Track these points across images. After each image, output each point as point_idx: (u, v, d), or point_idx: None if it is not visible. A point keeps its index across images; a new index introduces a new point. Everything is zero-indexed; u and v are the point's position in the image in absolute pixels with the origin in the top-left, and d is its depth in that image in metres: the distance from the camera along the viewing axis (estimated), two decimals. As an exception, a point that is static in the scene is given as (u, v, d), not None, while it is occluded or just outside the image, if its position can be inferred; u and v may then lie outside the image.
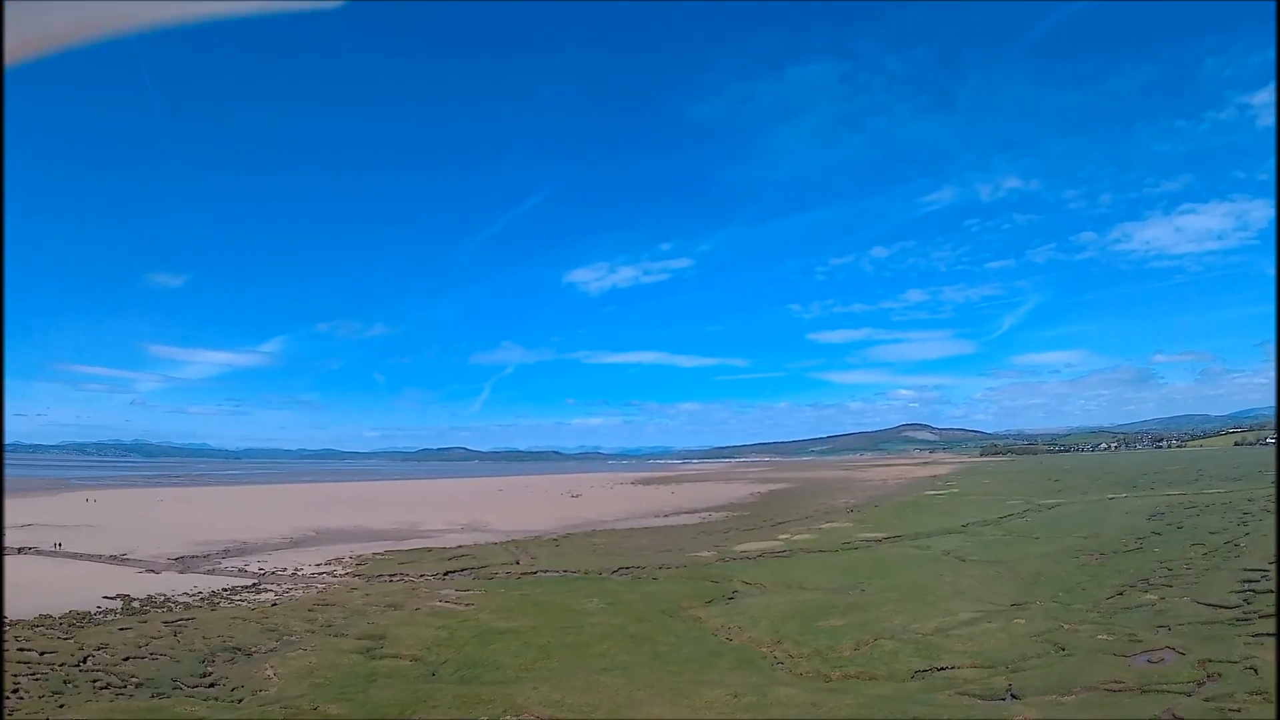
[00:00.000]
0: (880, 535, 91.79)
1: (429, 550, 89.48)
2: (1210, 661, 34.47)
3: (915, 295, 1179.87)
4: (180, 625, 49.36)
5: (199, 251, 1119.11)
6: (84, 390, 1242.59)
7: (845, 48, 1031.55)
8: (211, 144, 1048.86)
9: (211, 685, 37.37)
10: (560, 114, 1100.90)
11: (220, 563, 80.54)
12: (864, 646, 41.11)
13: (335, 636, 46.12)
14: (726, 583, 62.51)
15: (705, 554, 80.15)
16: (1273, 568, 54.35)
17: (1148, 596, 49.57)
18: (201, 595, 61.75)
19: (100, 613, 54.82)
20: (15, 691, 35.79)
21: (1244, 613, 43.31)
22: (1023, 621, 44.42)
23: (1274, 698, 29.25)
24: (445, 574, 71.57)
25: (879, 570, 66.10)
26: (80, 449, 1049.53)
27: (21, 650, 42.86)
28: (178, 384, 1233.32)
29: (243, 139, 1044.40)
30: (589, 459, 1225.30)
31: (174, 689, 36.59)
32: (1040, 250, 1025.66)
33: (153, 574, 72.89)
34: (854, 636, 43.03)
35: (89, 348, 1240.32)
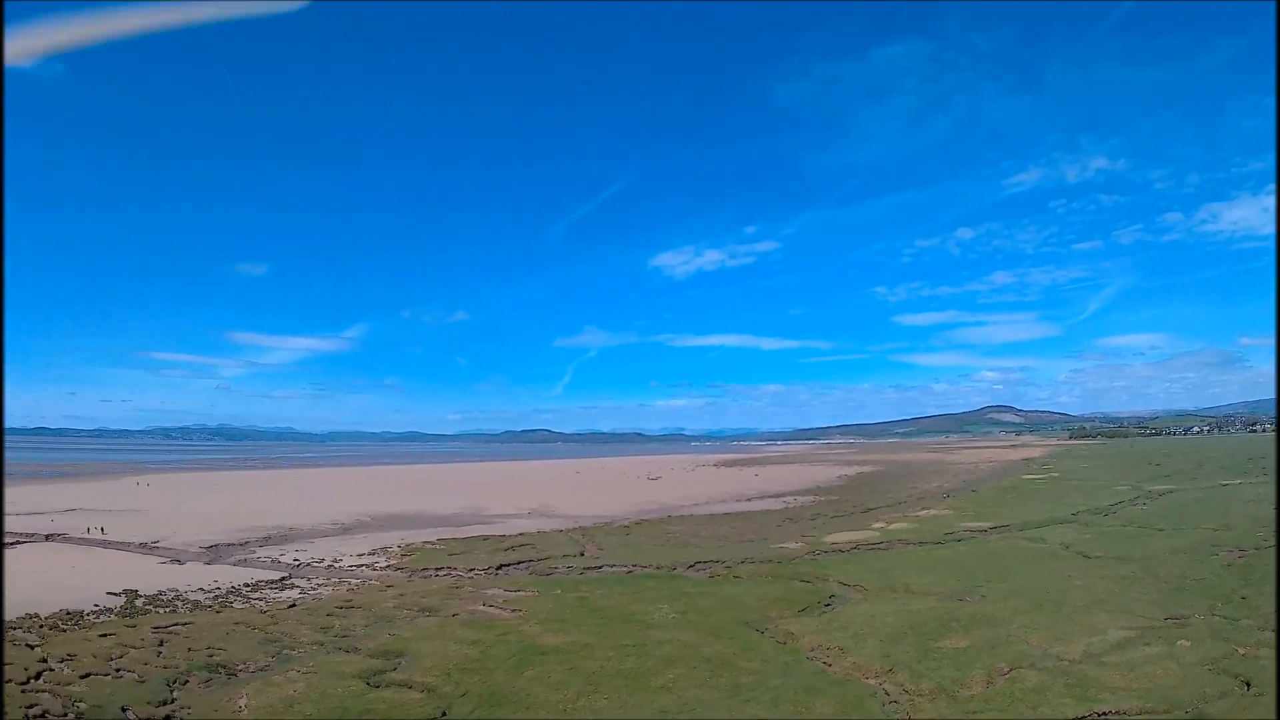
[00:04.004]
0: (985, 525, 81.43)
1: (486, 539, 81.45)
2: None
3: (1001, 277, 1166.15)
4: (170, 632, 41.59)
5: (282, 241, 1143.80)
6: (166, 376, 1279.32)
7: (931, 27, 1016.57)
8: (296, 135, 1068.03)
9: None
10: (644, 99, 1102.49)
11: (255, 552, 73.58)
12: (999, 678, 31.18)
13: (344, 652, 37.70)
14: (820, 583, 52.93)
15: (793, 545, 70.80)
16: None
17: (1326, 608, 38.83)
18: (217, 592, 54.44)
19: (94, 612, 47.67)
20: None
21: None
22: (1188, 644, 34.17)
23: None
24: (498, 568, 63.26)
25: (995, 569, 55.92)
26: (165, 433, 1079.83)
27: (-27, 661, 35.26)
28: (261, 369, 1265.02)
29: (328, 131, 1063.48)
30: (672, 440, 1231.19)
31: (117, 723, 28.44)
32: (1127, 231, 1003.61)
33: (177, 565, 66.06)
34: (985, 664, 32.97)
35: (172, 335, 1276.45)
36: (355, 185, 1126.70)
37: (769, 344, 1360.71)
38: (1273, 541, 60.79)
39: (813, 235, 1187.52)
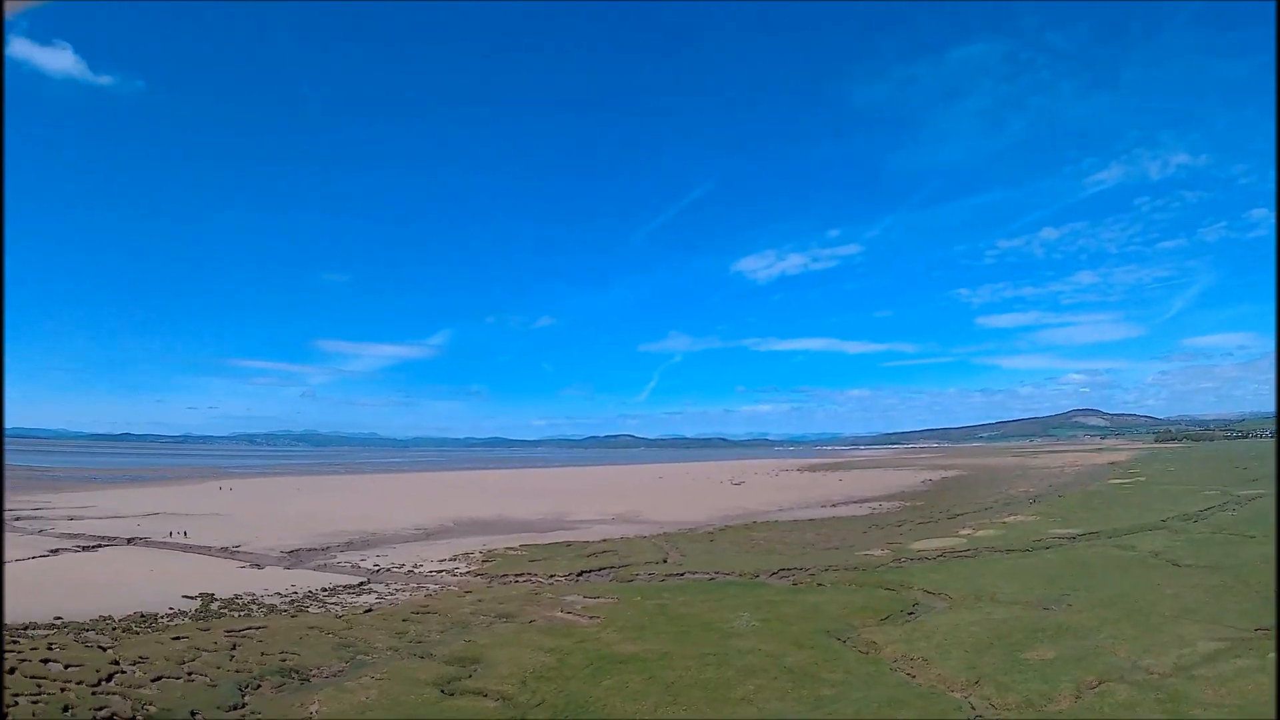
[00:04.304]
0: (1074, 532, 77.34)
1: (568, 545, 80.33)
2: None
3: (1086, 277, 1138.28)
4: (244, 636, 41.09)
5: (368, 249, 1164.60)
6: (254, 384, 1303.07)
7: (1007, 26, 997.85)
8: (379, 147, 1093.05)
9: (234, 726, 28.40)
10: (723, 104, 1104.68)
11: (336, 556, 73.45)
12: (1087, 692, 29.11)
13: (419, 658, 36.65)
14: (905, 591, 50.79)
15: (878, 553, 68.43)
16: None
17: None
18: (293, 596, 54.21)
19: (169, 615, 47.47)
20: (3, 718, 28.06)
21: None
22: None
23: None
24: (579, 574, 62.17)
25: (1084, 578, 52.88)
26: (250, 439, 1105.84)
27: (45, 661, 35.19)
28: (347, 376, 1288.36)
29: (411, 142, 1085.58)
30: (757, 445, 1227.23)
31: (184, 727, 27.90)
32: (1211, 229, 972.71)
33: (256, 569, 66.11)
34: (1073, 676, 30.81)
35: (260, 343, 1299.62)
36: (439, 193, 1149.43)
37: (854, 347, 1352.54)
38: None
39: (895, 237, 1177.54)
